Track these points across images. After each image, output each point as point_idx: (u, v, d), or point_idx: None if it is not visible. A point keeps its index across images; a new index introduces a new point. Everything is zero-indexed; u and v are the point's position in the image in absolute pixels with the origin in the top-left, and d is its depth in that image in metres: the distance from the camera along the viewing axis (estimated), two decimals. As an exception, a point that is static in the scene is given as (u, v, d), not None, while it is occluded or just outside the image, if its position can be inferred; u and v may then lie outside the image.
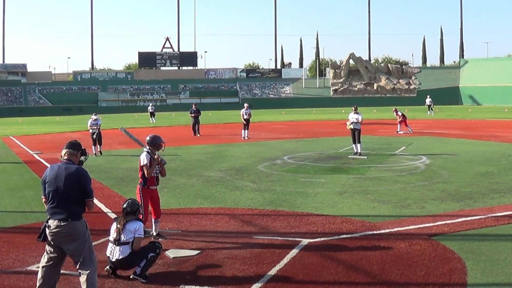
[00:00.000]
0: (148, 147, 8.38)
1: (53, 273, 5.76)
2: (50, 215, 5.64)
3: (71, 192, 5.58)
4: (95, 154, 20.03)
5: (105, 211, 10.57)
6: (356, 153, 18.62)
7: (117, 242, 6.73)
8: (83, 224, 5.70)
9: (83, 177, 5.66)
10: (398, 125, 29.24)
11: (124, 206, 7.11)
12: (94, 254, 5.80)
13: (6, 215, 10.58)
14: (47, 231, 5.64)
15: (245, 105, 28.33)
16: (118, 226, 6.87)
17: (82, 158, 5.90)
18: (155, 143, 8.40)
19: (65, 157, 5.79)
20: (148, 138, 8.49)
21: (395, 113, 29.96)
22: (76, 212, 5.62)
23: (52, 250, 5.70)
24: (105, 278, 6.65)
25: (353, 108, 19.43)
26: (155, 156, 8.33)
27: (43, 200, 5.79)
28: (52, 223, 5.60)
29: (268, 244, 8.09)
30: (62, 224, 5.56)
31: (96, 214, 9.64)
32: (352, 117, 18.96)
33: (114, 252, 6.72)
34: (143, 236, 6.91)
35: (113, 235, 6.86)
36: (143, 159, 8.29)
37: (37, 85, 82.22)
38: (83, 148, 5.93)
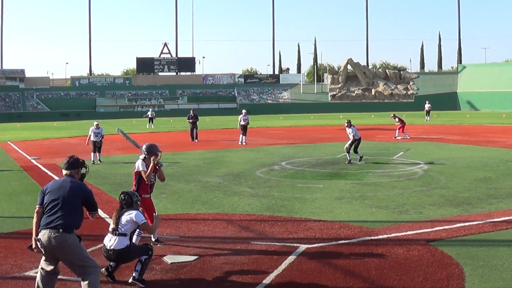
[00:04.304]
0: (143, 154, 8.37)
1: (51, 279, 5.76)
2: (43, 224, 5.62)
3: (73, 202, 5.68)
4: (94, 161, 19.98)
5: (102, 216, 10.54)
6: (349, 161, 18.14)
7: (115, 232, 6.74)
8: (74, 237, 5.66)
9: (87, 191, 5.92)
10: (397, 130, 29.27)
11: (119, 199, 7.13)
12: (92, 261, 5.79)
13: (4, 221, 10.57)
14: (39, 244, 5.61)
15: (243, 111, 28.30)
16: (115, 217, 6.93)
17: (83, 170, 6.06)
18: (151, 152, 8.37)
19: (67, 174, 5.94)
20: (144, 146, 8.48)
21: (394, 118, 30.08)
22: (70, 224, 5.62)
23: (48, 257, 5.68)
24: (105, 283, 6.62)
25: (345, 123, 18.98)
26: (151, 161, 8.28)
27: (37, 209, 5.80)
28: (43, 235, 5.57)
29: (266, 250, 8.09)
30: (53, 235, 5.54)
31: (93, 220, 9.60)
32: (349, 132, 18.59)
33: (111, 241, 6.73)
34: (145, 220, 6.95)
35: (112, 225, 6.87)
36: (138, 166, 8.30)
37: (35, 91, 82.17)
38: (81, 161, 6.06)
